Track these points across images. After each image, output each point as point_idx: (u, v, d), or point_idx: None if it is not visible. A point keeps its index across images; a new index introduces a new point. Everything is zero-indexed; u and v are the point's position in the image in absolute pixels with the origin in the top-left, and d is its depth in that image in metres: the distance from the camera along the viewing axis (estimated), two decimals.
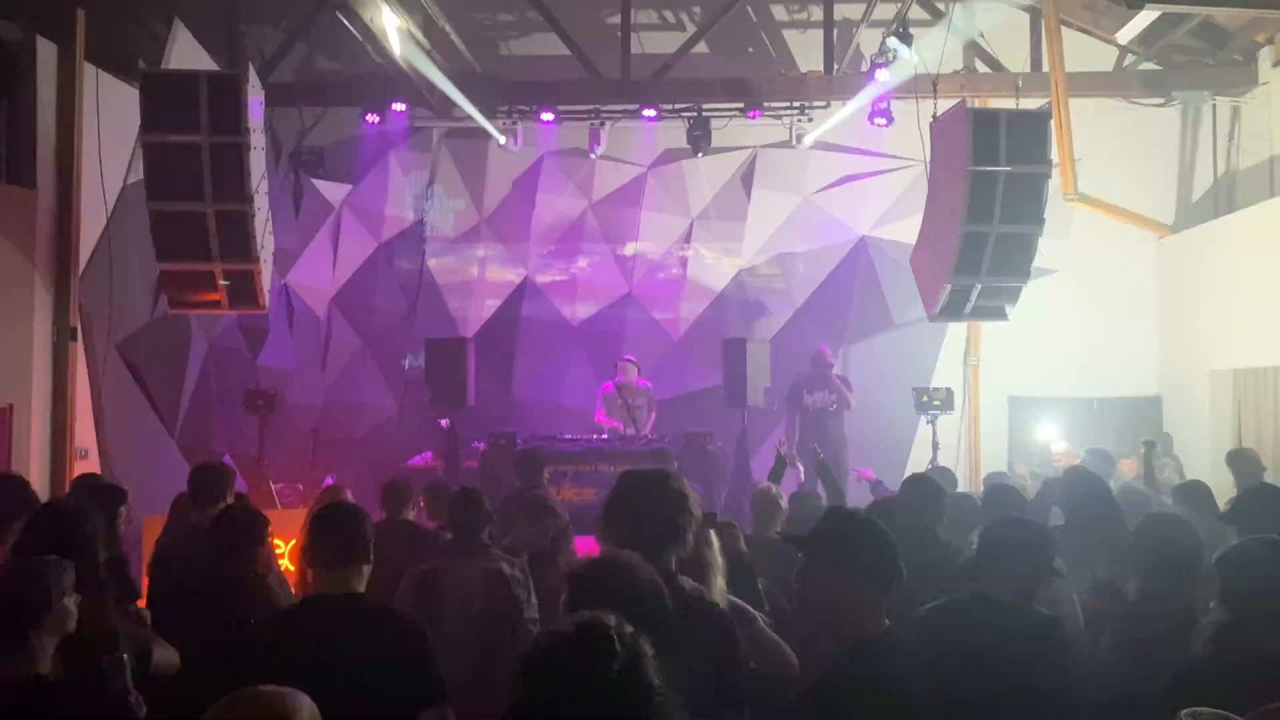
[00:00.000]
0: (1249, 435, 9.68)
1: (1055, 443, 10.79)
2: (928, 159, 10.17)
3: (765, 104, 11.27)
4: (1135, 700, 3.40)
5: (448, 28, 10.09)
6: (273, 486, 10.18)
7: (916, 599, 3.60)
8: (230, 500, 5.55)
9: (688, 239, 13.06)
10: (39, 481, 8.13)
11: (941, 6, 10.70)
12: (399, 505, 6.57)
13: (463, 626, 4.87)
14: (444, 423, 10.93)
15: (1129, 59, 11.35)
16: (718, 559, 3.70)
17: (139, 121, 8.39)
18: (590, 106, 11.23)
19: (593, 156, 12.17)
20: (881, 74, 10.20)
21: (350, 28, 9.04)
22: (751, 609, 4.03)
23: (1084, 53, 10.67)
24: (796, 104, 11.38)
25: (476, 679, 4.62)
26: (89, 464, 8.78)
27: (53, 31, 8.56)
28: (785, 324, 12.70)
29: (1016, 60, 10.79)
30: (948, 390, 10.80)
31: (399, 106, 10.99)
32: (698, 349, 12.74)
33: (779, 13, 11.18)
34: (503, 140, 11.67)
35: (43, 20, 8.47)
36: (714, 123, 11.34)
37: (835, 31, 10.79)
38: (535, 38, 10.59)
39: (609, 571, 2.84)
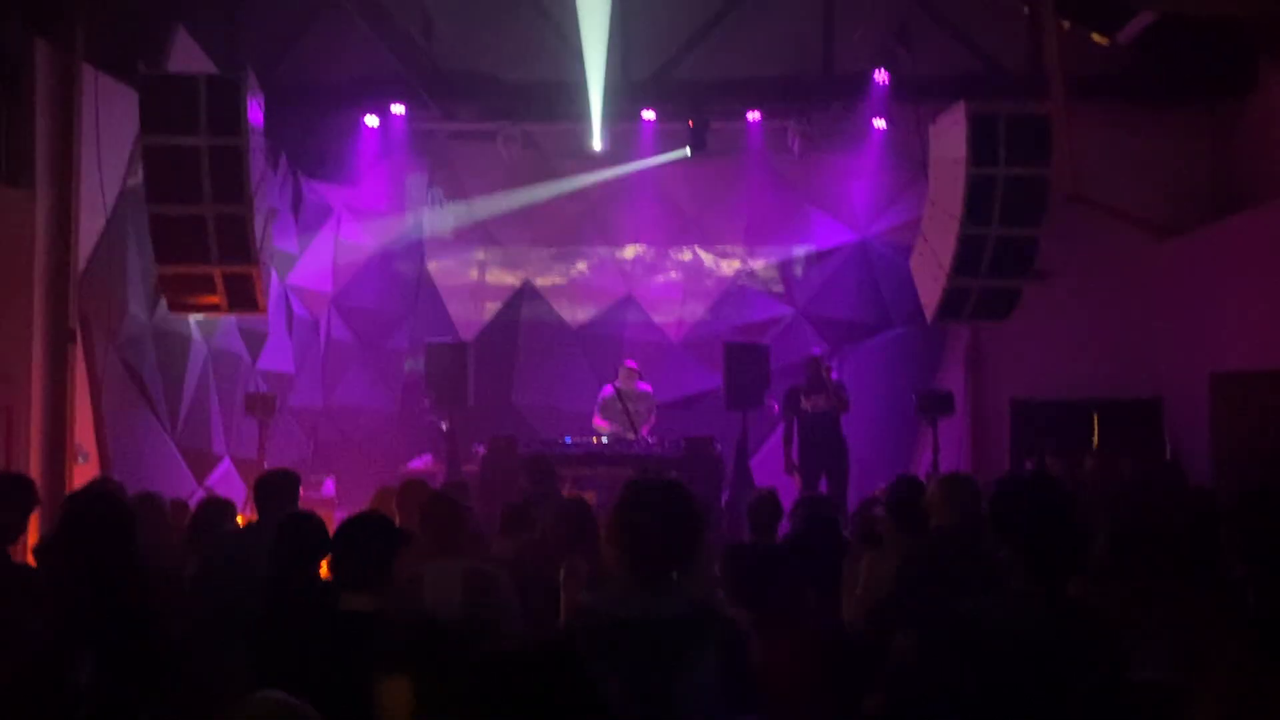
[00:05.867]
0: (1250, 438, 9.66)
1: None
2: (927, 160, 10.18)
3: (765, 105, 11.27)
4: None
5: (447, 29, 10.10)
6: None
7: None
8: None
9: (687, 241, 13.06)
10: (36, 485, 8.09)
11: (942, 7, 10.69)
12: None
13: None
14: (443, 426, 10.94)
15: (1129, 59, 11.33)
16: None
17: (138, 123, 8.40)
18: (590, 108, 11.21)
19: (592, 158, 12.17)
20: (881, 75, 10.20)
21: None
22: None
23: (1084, 53, 10.65)
24: (796, 105, 11.36)
25: None
26: (88, 467, 8.75)
27: (51, 32, 8.53)
28: (785, 327, 12.69)
29: (1016, 61, 10.79)
30: (948, 393, 10.79)
31: (399, 109, 10.99)
32: (697, 352, 12.74)
33: (779, 14, 11.15)
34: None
35: (41, 21, 8.44)
36: (713, 124, 11.33)
37: (835, 32, 10.78)
38: (534, 38, 10.57)
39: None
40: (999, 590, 3.51)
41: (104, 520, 4.21)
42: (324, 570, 4.39)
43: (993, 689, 3.27)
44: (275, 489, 5.79)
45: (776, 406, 11.17)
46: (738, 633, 3.24)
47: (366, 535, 3.97)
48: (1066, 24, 10.15)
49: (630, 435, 10.89)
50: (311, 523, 4.41)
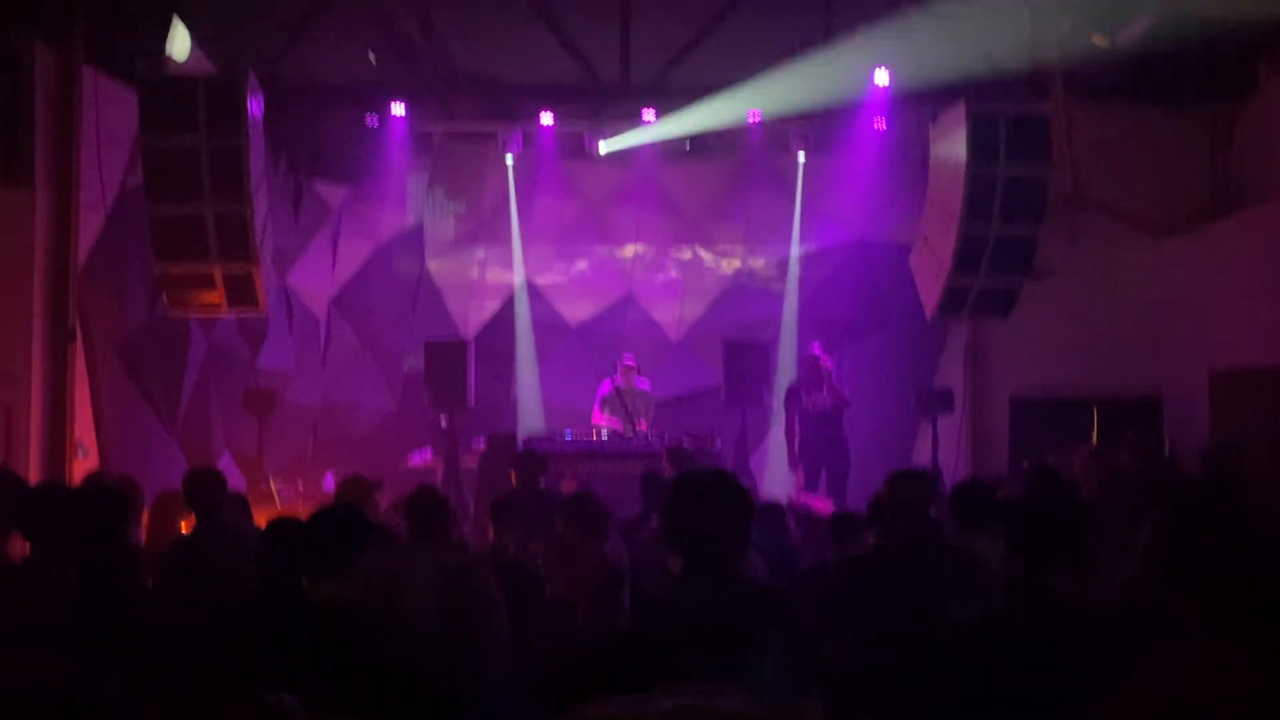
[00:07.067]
0: (1250, 437, 9.67)
1: None
2: (927, 160, 10.18)
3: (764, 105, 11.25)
4: None
5: (447, 29, 10.11)
6: (272, 486, 10.24)
7: None
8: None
9: (687, 240, 13.05)
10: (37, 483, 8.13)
11: (941, 7, 10.68)
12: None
13: (423, 628, 4.50)
14: (443, 422, 10.96)
15: (1128, 61, 11.33)
16: None
17: (137, 124, 8.42)
18: (589, 108, 11.22)
19: (592, 158, 12.16)
20: (881, 75, 10.20)
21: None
22: None
23: (1084, 54, 10.66)
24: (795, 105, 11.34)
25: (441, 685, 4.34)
26: (88, 464, 8.78)
27: (51, 34, 8.55)
28: (784, 325, 12.69)
29: (1017, 61, 10.78)
30: (948, 390, 10.81)
31: (399, 108, 11.00)
32: (697, 350, 12.75)
33: (779, 14, 11.14)
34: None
35: (41, 23, 8.46)
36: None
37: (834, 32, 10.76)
38: (535, 40, 10.57)
39: None
40: (986, 597, 3.53)
41: (106, 518, 4.23)
42: None
43: (974, 697, 3.30)
44: (202, 487, 5.77)
45: (776, 404, 11.21)
46: (799, 615, 3.25)
47: (329, 525, 4.00)
48: (1067, 25, 10.13)
49: (629, 431, 10.92)
50: (297, 526, 4.28)
